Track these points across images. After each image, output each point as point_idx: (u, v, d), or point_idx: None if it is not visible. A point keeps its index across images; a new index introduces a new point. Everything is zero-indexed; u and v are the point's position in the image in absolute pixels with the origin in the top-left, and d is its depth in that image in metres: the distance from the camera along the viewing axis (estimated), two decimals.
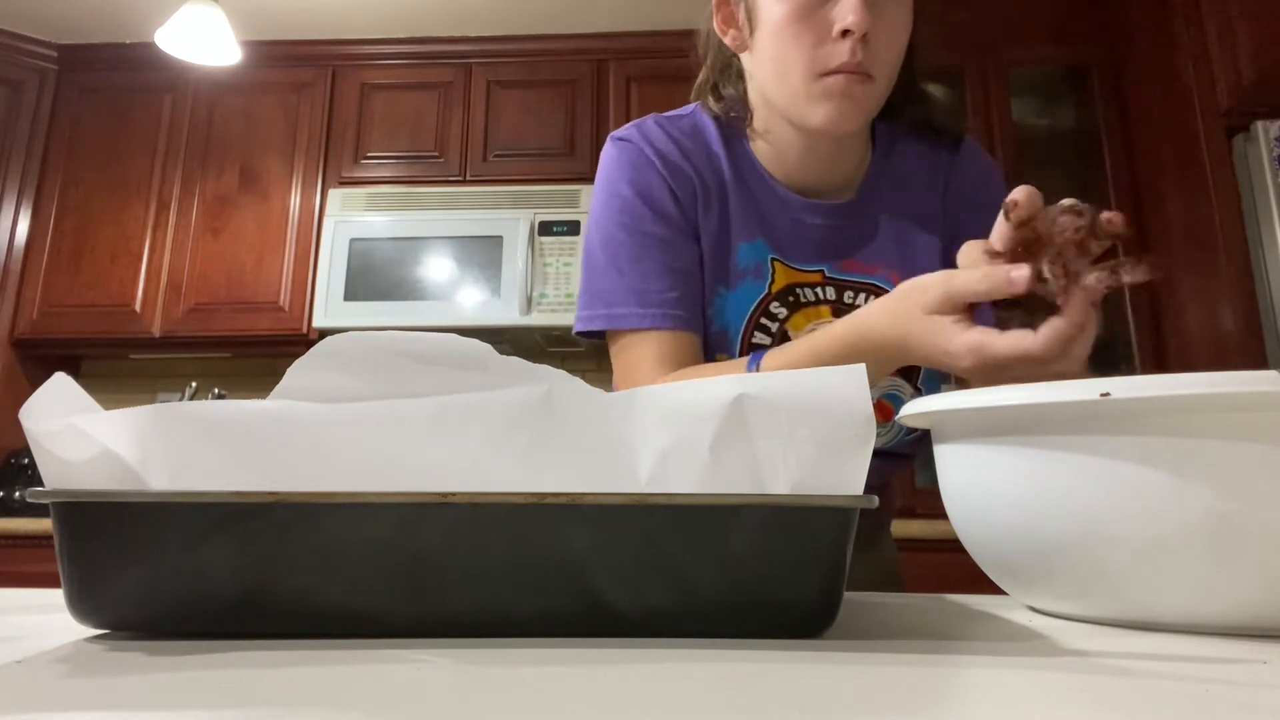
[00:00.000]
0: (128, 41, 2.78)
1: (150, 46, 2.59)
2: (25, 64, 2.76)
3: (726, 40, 0.80)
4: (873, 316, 0.62)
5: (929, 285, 0.58)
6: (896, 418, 0.51)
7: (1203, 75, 2.10)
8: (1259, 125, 1.99)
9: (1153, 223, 2.34)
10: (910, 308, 0.59)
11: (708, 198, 0.80)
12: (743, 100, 0.81)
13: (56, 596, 0.39)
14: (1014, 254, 0.54)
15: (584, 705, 0.26)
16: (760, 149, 0.81)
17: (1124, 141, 2.44)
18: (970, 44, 2.52)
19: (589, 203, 0.98)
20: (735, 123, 0.82)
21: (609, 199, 0.79)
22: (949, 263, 0.78)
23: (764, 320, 0.79)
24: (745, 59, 0.80)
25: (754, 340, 0.79)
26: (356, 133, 2.73)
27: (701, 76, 0.85)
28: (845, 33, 0.69)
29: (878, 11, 0.70)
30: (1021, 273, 0.52)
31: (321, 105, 2.74)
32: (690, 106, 0.85)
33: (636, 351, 0.76)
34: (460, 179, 2.66)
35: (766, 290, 0.79)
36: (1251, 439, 0.37)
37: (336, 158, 2.71)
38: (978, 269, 0.55)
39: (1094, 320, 0.53)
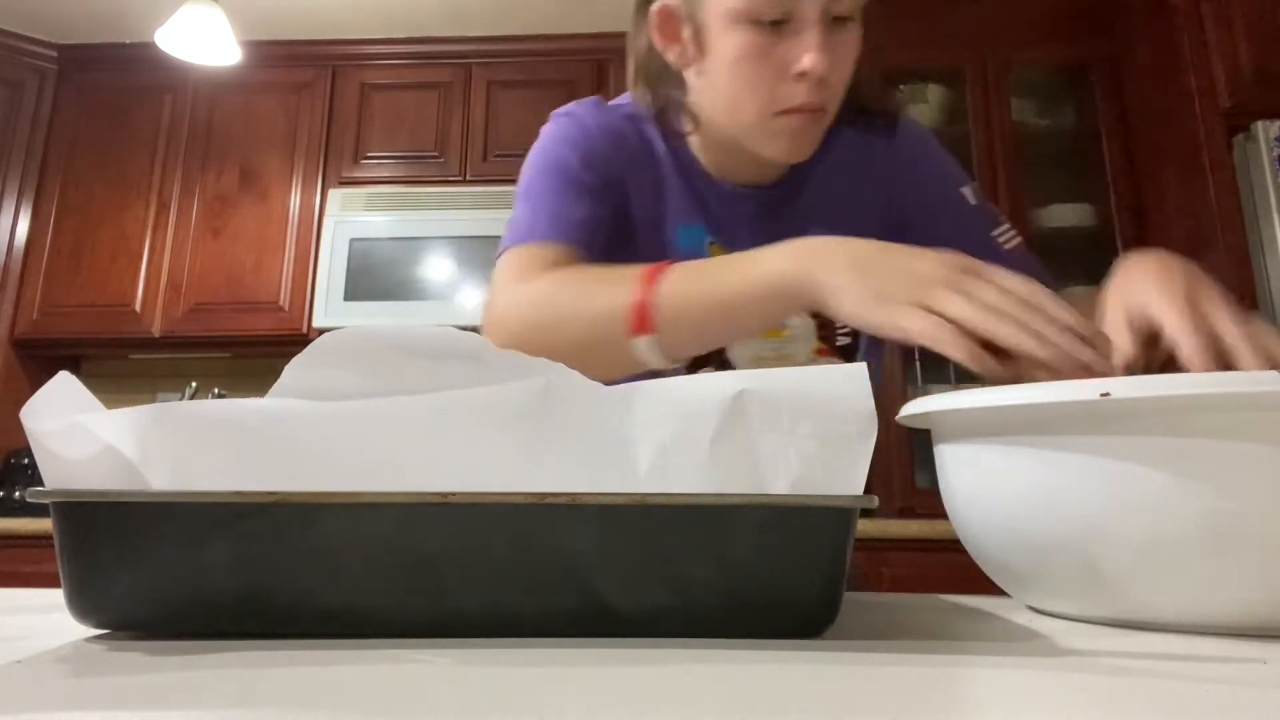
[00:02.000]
0: (128, 41, 2.78)
1: (150, 46, 2.59)
2: (25, 64, 2.75)
3: (669, 56, 0.76)
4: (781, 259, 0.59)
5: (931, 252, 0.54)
6: (897, 418, 0.51)
7: (1203, 75, 2.10)
8: (1259, 125, 1.99)
9: (1153, 223, 2.34)
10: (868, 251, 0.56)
11: (640, 182, 0.79)
12: (680, 105, 0.79)
13: (56, 596, 0.39)
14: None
15: (584, 705, 0.26)
16: (695, 144, 0.80)
17: (1124, 141, 2.44)
18: (970, 44, 2.52)
19: None
20: (666, 121, 0.81)
21: (542, 156, 0.78)
22: None
23: None
24: (689, 74, 0.77)
25: None
26: (356, 133, 2.73)
27: (633, 71, 0.83)
28: (803, 73, 0.68)
29: (832, 48, 0.68)
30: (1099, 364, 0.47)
31: (321, 105, 2.74)
32: (627, 97, 0.84)
33: (523, 255, 0.72)
34: (460, 179, 2.66)
35: None
36: (1251, 439, 0.37)
37: (336, 158, 2.71)
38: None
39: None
